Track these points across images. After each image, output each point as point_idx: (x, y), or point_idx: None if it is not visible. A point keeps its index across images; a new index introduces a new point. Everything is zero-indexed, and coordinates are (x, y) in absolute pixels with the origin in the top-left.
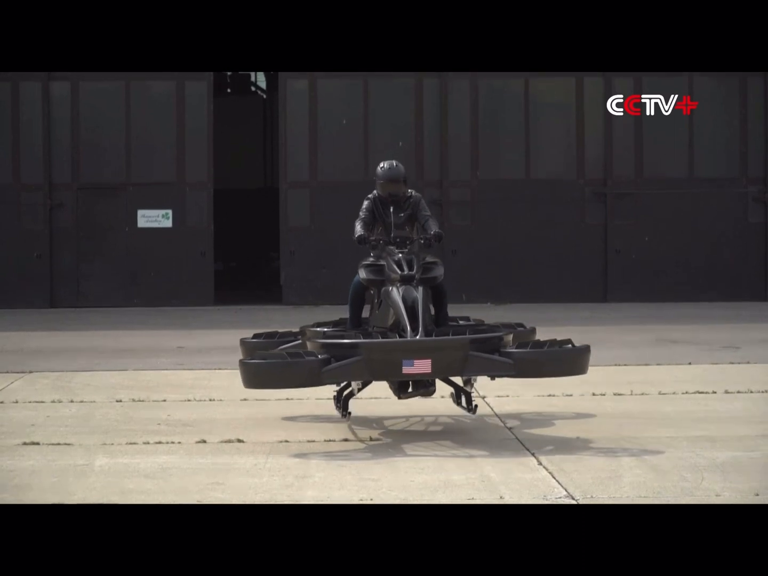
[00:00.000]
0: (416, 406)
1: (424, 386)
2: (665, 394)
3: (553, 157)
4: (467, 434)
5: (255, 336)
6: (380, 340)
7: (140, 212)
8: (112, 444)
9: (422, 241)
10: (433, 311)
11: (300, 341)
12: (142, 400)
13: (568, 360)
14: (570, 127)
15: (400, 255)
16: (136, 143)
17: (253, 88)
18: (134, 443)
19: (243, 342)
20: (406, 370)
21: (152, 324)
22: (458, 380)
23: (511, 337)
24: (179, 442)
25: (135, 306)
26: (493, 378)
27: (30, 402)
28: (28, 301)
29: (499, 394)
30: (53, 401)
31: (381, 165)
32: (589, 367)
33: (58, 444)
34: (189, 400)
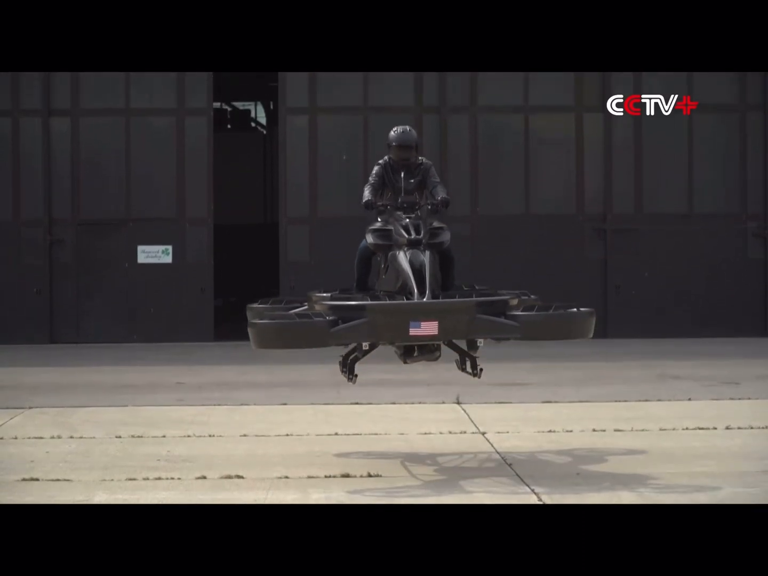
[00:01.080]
0: (417, 442)
1: (429, 351)
2: (666, 430)
3: (553, 192)
4: (467, 470)
5: (261, 302)
6: (387, 301)
7: (140, 248)
8: (112, 480)
9: (429, 207)
10: (439, 277)
11: (307, 307)
12: (142, 436)
13: (574, 323)
14: (570, 162)
15: (408, 220)
16: (136, 179)
17: (253, 124)
18: (134, 479)
19: (250, 308)
20: (413, 332)
21: (152, 360)
22: (463, 345)
23: (516, 301)
24: (179, 478)
25: (135, 342)
26: (498, 341)
27: (29, 438)
28: (28, 337)
29: (499, 430)
30: (53, 437)
31: (394, 129)
32: (594, 401)
33: (58, 480)
34: (189, 436)
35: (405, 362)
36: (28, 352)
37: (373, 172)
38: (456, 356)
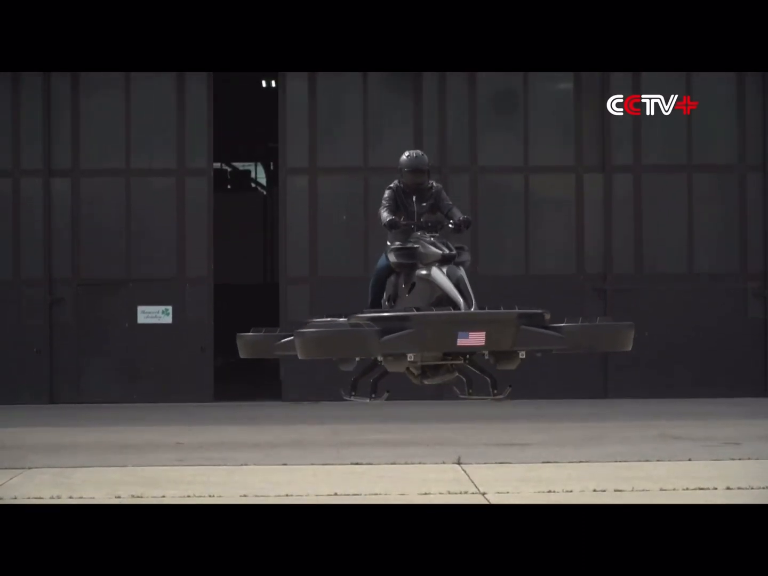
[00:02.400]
0: (417, 501)
1: (447, 371)
2: (666, 491)
3: (553, 252)
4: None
5: (254, 330)
6: (437, 312)
7: (140, 308)
8: None
9: (451, 226)
10: None
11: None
12: (141, 496)
13: (617, 334)
14: (570, 222)
15: (432, 238)
16: (136, 239)
17: (253, 185)
18: None
19: (240, 336)
20: (461, 342)
21: (151, 420)
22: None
23: (549, 315)
24: None
25: (135, 401)
26: (539, 353)
27: (29, 498)
28: (28, 397)
29: (500, 491)
30: (52, 497)
31: (406, 154)
32: (594, 461)
33: None
34: (188, 496)
35: (422, 383)
36: (27, 411)
37: (385, 195)
38: (463, 380)
